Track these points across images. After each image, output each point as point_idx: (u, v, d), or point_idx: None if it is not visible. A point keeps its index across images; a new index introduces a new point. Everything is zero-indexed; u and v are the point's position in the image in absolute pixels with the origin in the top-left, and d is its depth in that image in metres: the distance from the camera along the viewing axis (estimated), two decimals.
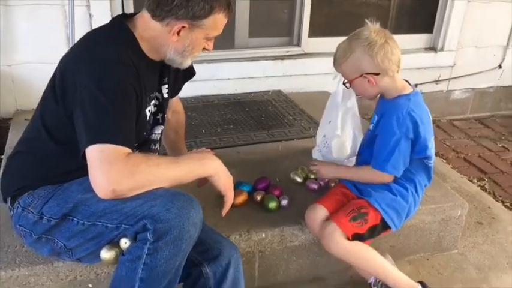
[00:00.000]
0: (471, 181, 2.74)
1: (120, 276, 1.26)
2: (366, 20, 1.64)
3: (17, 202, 1.40)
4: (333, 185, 1.96)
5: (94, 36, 1.41)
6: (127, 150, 1.24)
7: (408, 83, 1.71)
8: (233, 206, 1.79)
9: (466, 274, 1.97)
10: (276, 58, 3.03)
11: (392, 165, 1.62)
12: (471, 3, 3.27)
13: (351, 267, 1.83)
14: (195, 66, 2.71)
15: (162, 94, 1.57)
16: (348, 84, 1.69)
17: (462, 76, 3.51)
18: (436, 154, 3.05)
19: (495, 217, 2.34)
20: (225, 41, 3.02)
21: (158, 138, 1.59)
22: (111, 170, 1.21)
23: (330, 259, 1.83)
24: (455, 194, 2.07)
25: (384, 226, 1.69)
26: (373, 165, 1.67)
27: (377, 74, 1.60)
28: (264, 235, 1.76)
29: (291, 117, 2.70)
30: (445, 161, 3.01)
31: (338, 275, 1.89)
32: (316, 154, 2.09)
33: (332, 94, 1.98)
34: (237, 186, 1.90)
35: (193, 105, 2.80)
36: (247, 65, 2.99)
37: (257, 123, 2.61)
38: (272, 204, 1.84)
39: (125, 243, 1.26)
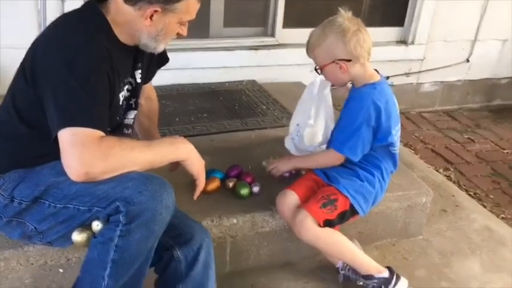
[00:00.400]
0: (437, 171, 2.83)
1: (92, 259, 1.28)
2: (339, 8, 1.69)
3: None
4: (303, 172, 2.00)
5: (65, 20, 1.40)
6: (100, 133, 1.25)
7: (377, 72, 1.75)
8: (205, 192, 1.83)
9: (429, 259, 2.05)
10: (250, 48, 3.05)
11: (349, 148, 1.68)
12: None
13: (321, 253, 1.88)
14: (170, 55, 2.71)
15: (136, 79, 1.57)
16: (319, 71, 1.73)
17: (431, 69, 3.60)
18: (405, 145, 3.15)
19: (459, 205, 2.43)
20: (200, 30, 3.02)
21: (131, 123, 1.60)
22: (84, 153, 1.22)
23: (300, 245, 1.87)
24: (421, 182, 2.15)
25: (352, 211, 1.75)
26: (331, 145, 1.75)
27: (349, 61, 1.65)
28: (235, 221, 1.79)
29: (264, 107, 2.73)
30: (413, 151, 3.09)
31: (308, 260, 1.94)
32: (288, 143, 2.14)
33: (309, 84, 2.03)
34: (210, 174, 1.93)
35: (167, 93, 2.80)
36: (222, 55, 3.00)
37: (231, 112, 2.63)
38: (244, 191, 1.87)
39: (97, 225, 1.28)
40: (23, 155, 1.38)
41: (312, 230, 1.69)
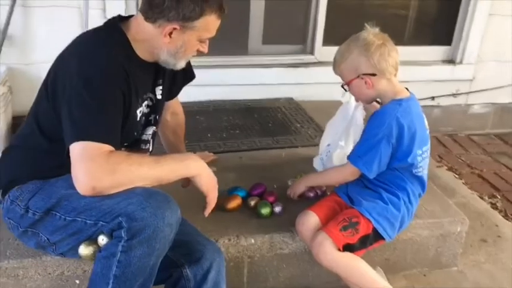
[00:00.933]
0: (482, 198, 2.67)
1: (96, 273, 1.29)
2: (366, 24, 1.68)
3: (7, 195, 1.44)
4: (329, 193, 1.94)
5: (86, 38, 1.45)
6: (109, 147, 1.27)
7: (407, 90, 1.70)
8: (226, 210, 1.84)
9: None
10: (289, 66, 3.04)
11: (365, 162, 1.63)
12: (492, 16, 3.19)
13: (342, 279, 1.80)
14: (207, 71, 2.76)
15: (156, 95, 1.59)
16: (346, 87, 1.70)
17: (482, 90, 3.42)
18: (449, 169, 3.01)
19: (501, 235, 2.27)
20: (239, 47, 3.04)
21: (149, 138, 1.62)
22: (92, 167, 1.24)
23: (321, 269, 1.80)
24: (456, 210, 2.02)
25: (376, 236, 1.67)
26: (348, 158, 1.70)
27: (373, 75, 1.61)
28: (253, 241, 1.75)
29: (298, 125, 2.69)
30: (457, 176, 2.93)
31: (329, 285, 1.87)
32: (317, 162, 2.09)
33: (342, 105, 1.98)
34: (232, 191, 1.92)
35: (204, 109, 2.83)
36: (260, 72, 3.00)
37: (263, 129, 2.62)
38: (265, 210, 1.84)
39: (102, 239, 1.29)
40: (41, 166, 1.43)
41: (330, 254, 1.63)
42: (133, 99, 1.43)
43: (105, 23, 1.48)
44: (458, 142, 3.44)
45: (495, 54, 3.34)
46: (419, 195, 1.75)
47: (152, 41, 1.43)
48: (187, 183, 1.49)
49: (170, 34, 1.40)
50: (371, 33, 1.63)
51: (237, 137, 2.52)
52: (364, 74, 1.62)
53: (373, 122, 1.65)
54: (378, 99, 1.74)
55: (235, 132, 2.57)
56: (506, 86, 3.45)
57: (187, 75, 1.76)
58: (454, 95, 3.41)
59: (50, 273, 1.59)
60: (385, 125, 1.59)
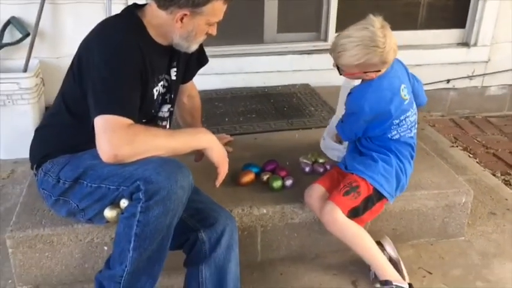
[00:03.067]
0: (494, 175, 2.72)
1: (119, 233, 1.44)
2: (370, 15, 1.68)
3: (40, 168, 1.61)
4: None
5: (106, 23, 1.61)
6: (129, 121, 1.42)
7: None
8: (240, 184, 1.97)
9: (468, 260, 1.99)
10: (303, 53, 3.14)
11: (343, 131, 1.89)
12: None
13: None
14: (225, 60, 2.91)
15: (171, 76, 1.73)
16: (341, 71, 1.76)
17: (497, 72, 3.45)
18: (464, 149, 3.06)
19: (510, 208, 2.33)
20: (255, 36, 3.17)
21: (165, 116, 1.76)
22: (113, 137, 1.39)
23: (331, 238, 1.91)
24: (461, 182, 2.10)
25: (378, 195, 1.78)
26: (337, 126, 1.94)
27: (378, 71, 1.69)
28: (265, 211, 1.88)
29: (312, 108, 2.80)
30: (471, 155, 2.99)
31: (339, 254, 1.97)
32: (321, 143, 2.21)
33: (343, 85, 2.08)
34: (246, 167, 2.05)
35: (221, 96, 2.97)
36: (276, 59, 3.12)
37: (278, 113, 2.74)
38: (276, 184, 1.96)
39: (123, 203, 1.44)
40: (69, 141, 1.59)
41: (339, 220, 1.73)
42: (149, 78, 1.58)
43: (123, 11, 1.64)
44: (475, 124, 3.47)
45: (510, 36, 3.36)
46: (411, 156, 1.85)
47: (166, 26, 1.57)
48: (200, 157, 1.63)
49: (182, 19, 1.54)
50: (378, 27, 1.63)
51: (253, 120, 2.65)
52: (369, 72, 1.69)
53: (348, 102, 1.81)
54: None
55: (251, 116, 2.70)
56: None
57: (200, 59, 1.90)
58: (469, 77, 3.45)
59: (80, 240, 1.76)
60: (356, 107, 1.74)
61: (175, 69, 1.74)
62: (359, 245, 1.79)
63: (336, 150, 2.13)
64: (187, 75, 1.89)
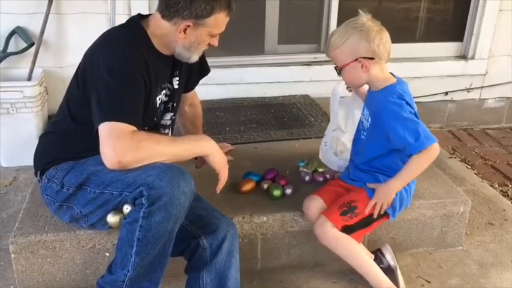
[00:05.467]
0: (492, 186, 2.74)
1: (122, 238, 1.46)
2: (359, 10, 1.71)
3: (44, 175, 1.64)
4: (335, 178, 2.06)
5: (111, 32, 1.65)
6: (133, 128, 1.45)
7: (393, 75, 1.77)
8: (241, 193, 1.99)
9: (466, 269, 2.01)
10: (303, 64, 3.19)
11: (425, 136, 1.62)
12: (502, 11, 3.27)
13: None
14: (226, 71, 2.95)
15: (173, 85, 1.77)
16: (339, 70, 1.73)
17: (495, 85, 3.49)
18: (462, 160, 3.09)
19: (508, 219, 2.35)
20: (256, 47, 3.22)
21: (168, 124, 1.80)
22: (118, 144, 1.42)
23: None
24: (459, 191, 2.12)
25: (379, 216, 1.78)
26: (412, 151, 1.64)
27: (371, 59, 1.67)
28: (265, 218, 1.90)
29: (312, 119, 2.84)
30: (469, 167, 3.02)
31: (339, 262, 1.97)
32: (320, 153, 2.23)
33: (332, 91, 2.08)
34: (247, 176, 2.08)
35: (222, 106, 3.00)
36: (276, 70, 3.16)
37: (279, 123, 2.77)
38: (276, 192, 1.98)
39: (126, 208, 1.47)
40: (73, 148, 1.62)
41: (329, 233, 1.75)
42: (153, 87, 1.61)
43: (127, 21, 1.68)
44: (473, 136, 3.51)
45: (507, 49, 3.41)
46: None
47: (169, 36, 1.61)
48: (201, 163, 1.66)
49: (185, 31, 1.58)
50: (368, 19, 1.68)
51: (254, 130, 2.68)
52: (362, 58, 1.66)
53: (386, 113, 1.67)
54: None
55: (252, 126, 2.73)
56: None
57: (202, 69, 1.93)
58: (467, 89, 3.49)
59: (83, 246, 1.78)
60: (397, 104, 1.65)
61: (177, 78, 1.78)
62: (352, 258, 1.80)
63: (335, 162, 2.14)
64: (189, 84, 1.92)
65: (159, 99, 1.69)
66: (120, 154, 1.42)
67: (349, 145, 2.01)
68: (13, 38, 2.70)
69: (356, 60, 1.67)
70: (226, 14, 1.59)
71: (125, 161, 1.42)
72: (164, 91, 1.72)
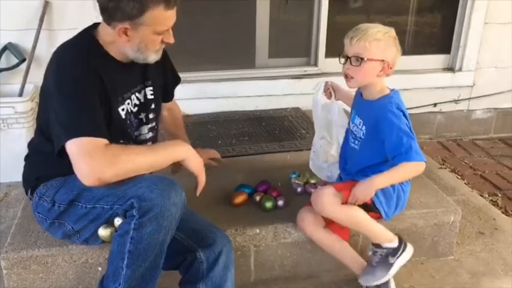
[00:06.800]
0: (482, 195, 2.77)
1: (113, 251, 1.46)
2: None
3: (35, 193, 1.63)
4: None
5: (61, 49, 1.56)
6: (103, 141, 1.42)
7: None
8: (233, 205, 2.00)
9: (458, 278, 2.03)
10: (294, 77, 3.22)
11: (416, 151, 1.68)
12: (488, 24, 3.34)
13: (346, 267, 1.91)
14: (218, 84, 2.96)
15: (146, 95, 1.71)
16: (349, 60, 1.72)
17: (483, 96, 3.55)
18: (452, 171, 3.12)
19: (498, 228, 2.38)
20: (247, 61, 3.25)
21: (148, 137, 1.75)
22: (91, 161, 1.39)
23: (324, 257, 1.95)
24: (449, 201, 2.14)
25: (374, 208, 1.81)
26: (400, 161, 1.70)
27: (390, 68, 1.73)
28: (258, 230, 1.91)
29: (303, 131, 2.86)
30: (459, 177, 3.05)
31: (332, 273, 2.00)
32: (310, 164, 2.25)
33: (313, 99, 2.12)
34: (239, 188, 2.09)
35: (214, 119, 3.02)
36: (267, 84, 3.19)
37: (270, 136, 2.79)
38: (268, 204, 2.00)
39: (117, 221, 1.47)
40: (59, 167, 1.54)
41: (334, 200, 1.75)
42: (111, 97, 1.54)
43: (79, 32, 1.60)
44: (463, 146, 3.55)
45: (494, 61, 3.47)
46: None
47: (115, 42, 1.53)
48: (176, 169, 1.66)
49: (125, 33, 1.48)
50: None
51: (246, 143, 2.70)
52: (388, 62, 1.71)
53: (384, 121, 1.73)
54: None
55: (244, 139, 2.75)
56: (506, 91, 3.56)
57: (174, 79, 1.90)
58: (455, 101, 3.54)
59: (75, 261, 1.77)
60: (395, 115, 1.71)
61: (150, 88, 1.72)
62: (354, 221, 1.80)
63: (325, 170, 2.17)
64: (167, 93, 1.88)
65: (123, 109, 1.62)
66: (97, 171, 1.38)
67: (337, 156, 2.04)
68: (4, 54, 2.71)
69: (382, 61, 1.70)
70: (164, 7, 1.46)
71: (104, 177, 1.39)
72: (129, 101, 1.65)
